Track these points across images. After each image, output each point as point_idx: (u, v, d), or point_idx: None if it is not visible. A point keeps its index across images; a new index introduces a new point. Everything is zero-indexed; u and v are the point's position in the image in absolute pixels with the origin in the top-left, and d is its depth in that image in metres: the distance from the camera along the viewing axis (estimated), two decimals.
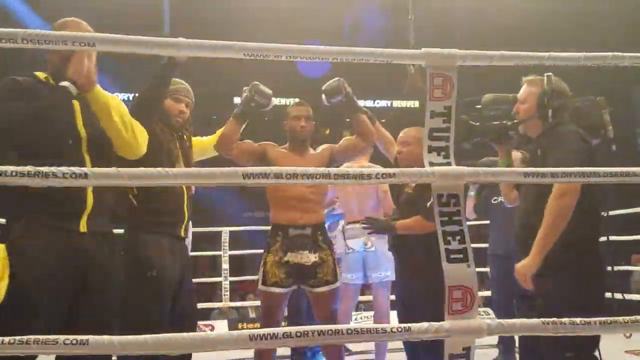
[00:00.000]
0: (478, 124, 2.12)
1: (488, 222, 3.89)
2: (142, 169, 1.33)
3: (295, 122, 2.76)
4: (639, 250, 7.40)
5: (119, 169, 1.31)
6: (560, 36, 10.22)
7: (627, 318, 1.46)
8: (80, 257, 1.76)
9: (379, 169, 1.43)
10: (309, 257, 2.61)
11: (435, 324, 1.36)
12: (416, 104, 15.87)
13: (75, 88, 1.76)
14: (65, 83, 1.75)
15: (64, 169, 1.26)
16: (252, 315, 6.88)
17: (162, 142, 2.26)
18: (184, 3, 10.43)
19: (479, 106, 2.15)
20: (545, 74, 1.99)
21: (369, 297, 4.07)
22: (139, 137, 1.92)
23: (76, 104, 1.84)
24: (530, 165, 2.08)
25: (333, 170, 1.41)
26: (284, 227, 2.63)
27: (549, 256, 1.90)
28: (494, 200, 3.70)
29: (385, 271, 3.53)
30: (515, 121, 2.08)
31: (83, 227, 1.77)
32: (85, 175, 1.27)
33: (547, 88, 1.99)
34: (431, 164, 1.47)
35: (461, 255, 1.34)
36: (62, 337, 1.22)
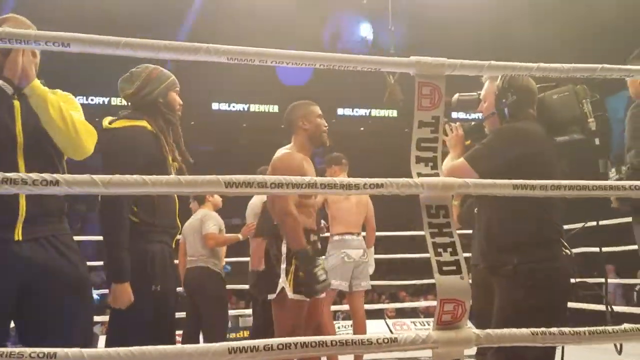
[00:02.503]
0: (451, 124, 2.07)
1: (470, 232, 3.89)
2: (117, 176, 1.26)
3: (322, 120, 2.62)
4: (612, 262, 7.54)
5: (93, 175, 1.24)
6: (536, 46, 10.44)
7: (616, 327, 1.44)
8: (17, 265, 1.66)
9: (367, 179, 1.38)
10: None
11: (423, 335, 1.32)
12: (394, 113, 16.02)
13: (11, 87, 1.68)
14: None
15: (34, 175, 1.18)
16: (241, 324, 6.80)
17: (164, 151, 2.13)
18: (161, 10, 10.33)
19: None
20: None
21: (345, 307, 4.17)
22: (83, 136, 1.75)
23: (17, 104, 1.71)
24: None
25: (320, 179, 1.36)
26: (307, 232, 2.55)
27: (498, 258, 1.85)
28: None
29: (367, 281, 3.85)
30: (481, 120, 2.02)
31: (18, 235, 1.67)
32: (57, 183, 1.19)
33: (501, 84, 1.91)
34: (419, 174, 1.43)
35: (454, 267, 1.30)
36: (28, 350, 1.16)
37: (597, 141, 1.87)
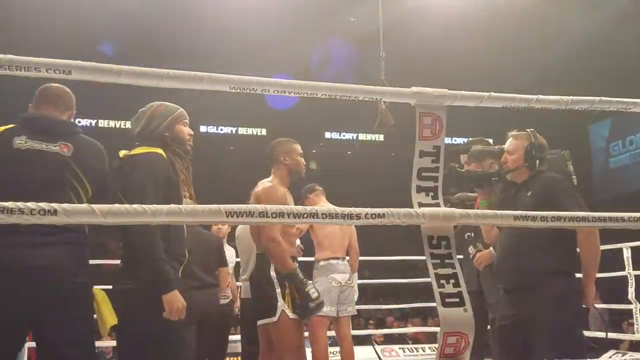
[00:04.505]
0: (464, 171, 2.38)
1: (461, 257, 3.89)
2: (116, 206, 1.23)
3: (301, 158, 2.79)
4: None
5: (92, 205, 1.22)
6: (525, 75, 10.67)
7: None
8: None
9: (368, 209, 1.38)
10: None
11: None
12: (381, 137, 16.14)
13: None
14: None
15: (31, 204, 1.15)
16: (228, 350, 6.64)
17: (179, 181, 2.12)
18: (145, 38, 10.38)
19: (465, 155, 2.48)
20: (528, 130, 2.31)
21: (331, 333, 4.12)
22: None
23: None
24: (506, 206, 2.16)
25: (321, 209, 1.35)
26: (293, 259, 2.65)
27: (533, 284, 2.12)
28: (467, 235, 3.69)
29: (353, 306, 3.82)
30: (503, 170, 2.35)
31: None
32: (55, 212, 1.17)
33: (535, 141, 2.28)
34: (420, 204, 1.43)
35: (457, 299, 1.29)
36: None
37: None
